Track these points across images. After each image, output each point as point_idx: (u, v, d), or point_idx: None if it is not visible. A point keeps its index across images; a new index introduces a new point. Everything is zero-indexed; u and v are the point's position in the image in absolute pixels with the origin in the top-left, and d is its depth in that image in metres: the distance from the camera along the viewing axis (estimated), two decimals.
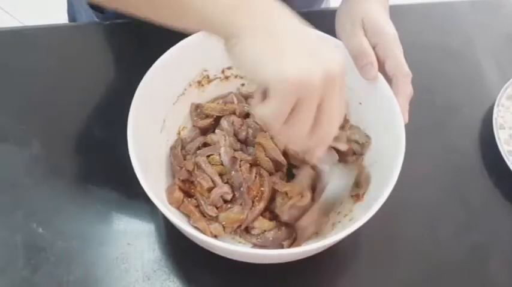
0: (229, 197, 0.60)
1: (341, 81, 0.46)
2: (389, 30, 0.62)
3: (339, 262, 0.62)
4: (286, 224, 0.60)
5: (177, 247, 0.61)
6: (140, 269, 0.59)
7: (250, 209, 0.59)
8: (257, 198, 0.60)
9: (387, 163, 0.56)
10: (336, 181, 0.61)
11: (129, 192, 0.64)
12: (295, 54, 0.44)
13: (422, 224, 0.66)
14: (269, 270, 0.57)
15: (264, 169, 0.62)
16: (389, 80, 0.60)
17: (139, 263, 0.60)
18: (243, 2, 0.45)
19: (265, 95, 0.45)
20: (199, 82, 0.67)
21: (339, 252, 0.61)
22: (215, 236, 0.59)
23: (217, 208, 0.60)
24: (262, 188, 0.60)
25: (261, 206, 0.60)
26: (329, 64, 0.44)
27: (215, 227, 0.59)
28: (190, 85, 0.66)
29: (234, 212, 0.59)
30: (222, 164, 0.62)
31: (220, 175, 0.62)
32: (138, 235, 0.61)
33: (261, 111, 0.46)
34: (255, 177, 0.61)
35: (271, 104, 0.44)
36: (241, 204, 0.60)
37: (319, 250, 0.54)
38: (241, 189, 0.60)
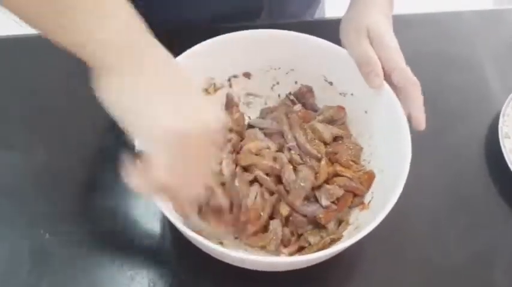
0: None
1: (219, 136, 0.47)
2: (391, 43, 0.62)
3: (344, 269, 0.62)
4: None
5: (183, 254, 0.61)
6: (146, 276, 0.59)
7: (242, 230, 0.60)
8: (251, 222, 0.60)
9: (393, 171, 0.57)
10: None
11: (134, 199, 0.64)
12: (171, 104, 0.44)
13: (427, 231, 0.66)
14: (274, 277, 0.57)
15: (266, 188, 0.62)
16: (396, 90, 0.60)
17: (145, 269, 0.60)
18: (127, 40, 0.43)
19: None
20: (206, 90, 0.67)
21: (344, 259, 0.60)
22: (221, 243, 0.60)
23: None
24: (261, 213, 0.60)
25: (251, 230, 0.59)
26: (207, 117, 0.45)
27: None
28: None
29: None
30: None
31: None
32: (144, 241, 0.62)
33: (157, 172, 0.45)
34: (255, 197, 0.60)
35: (163, 157, 0.44)
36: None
37: (326, 258, 0.54)
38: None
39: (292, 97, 0.70)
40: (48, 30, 0.44)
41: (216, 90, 0.68)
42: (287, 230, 0.61)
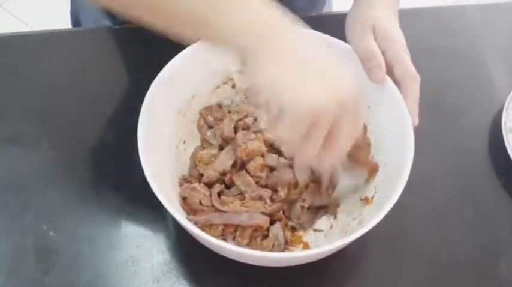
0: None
1: (353, 105, 0.47)
2: (398, 38, 0.62)
3: (348, 263, 0.62)
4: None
5: (187, 250, 0.61)
6: (150, 271, 0.59)
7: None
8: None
9: (396, 166, 0.57)
10: (344, 181, 0.62)
11: (138, 194, 0.63)
12: (309, 82, 0.46)
13: (431, 226, 0.66)
14: (278, 273, 0.57)
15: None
16: (397, 84, 0.60)
17: (149, 265, 0.60)
18: (256, 19, 0.47)
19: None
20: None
21: (348, 254, 0.61)
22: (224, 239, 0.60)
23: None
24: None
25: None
26: (340, 90, 0.46)
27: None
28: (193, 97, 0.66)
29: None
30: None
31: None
32: (147, 238, 0.62)
33: (279, 132, 0.48)
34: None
35: (287, 127, 0.47)
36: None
37: (329, 253, 0.54)
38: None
39: None
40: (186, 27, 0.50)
41: (217, 88, 0.68)
42: (289, 234, 0.61)
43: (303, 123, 0.46)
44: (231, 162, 0.63)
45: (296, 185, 0.63)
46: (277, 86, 0.46)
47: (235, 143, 0.63)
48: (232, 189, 0.62)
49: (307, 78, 0.46)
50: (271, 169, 0.63)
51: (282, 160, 0.63)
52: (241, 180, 0.62)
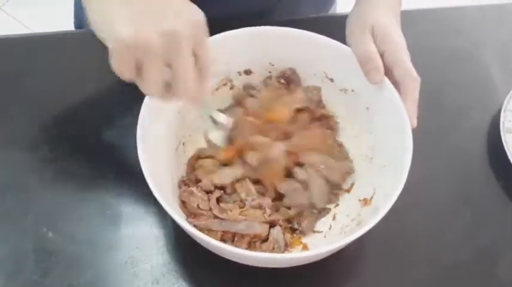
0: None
1: (189, 40, 0.45)
2: (398, 39, 0.62)
3: (347, 264, 0.62)
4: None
5: (186, 251, 0.61)
6: (149, 273, 0.60)
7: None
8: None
9: (395, 167, 0.57)
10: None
11: (138, 196, 0.64)
12: (138, 13, 0.44)
13: (430, 227, 0.66)
14: (277, 274, 0.57)
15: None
16: (397, 85, 0.60)
17: (148, 267, 0.60)
18: None
19: None
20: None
21: (347, 255, 0.61)
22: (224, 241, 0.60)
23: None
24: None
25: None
26: (174, 24, 0.44)
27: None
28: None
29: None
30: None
31: None
32: (147, 239, 0.62)
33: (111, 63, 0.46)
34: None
35: (113, 62, 0.45)
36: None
37: (328, 254, 0.54)
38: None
39: (282, 80, 0.70)
40: None
41: (217, 89, 0.68)
42: (288, 236, 0.61)
43: (125, 59, 0.44)
44: (231, 180, 0.63)
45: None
46: (101, 19, 0.45)
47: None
48: (233, 195, 0.63)
49: (140, 10, 0.44)
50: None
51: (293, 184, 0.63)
52: (243, 188, 0.62)
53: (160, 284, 0.59)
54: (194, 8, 0.47)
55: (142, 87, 0.47)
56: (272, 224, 0.61)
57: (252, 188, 0.62)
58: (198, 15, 0.47)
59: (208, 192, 0.62)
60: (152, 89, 0.47)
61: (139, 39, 0.43)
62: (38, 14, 1.84)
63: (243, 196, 0.62)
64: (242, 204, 0.62)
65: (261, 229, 0.59)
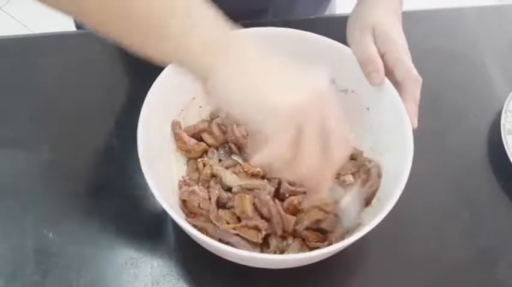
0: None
1: (333, 100, 0.44)
2: (398, 40, 0.62)
3: (347, 265, 0.62)
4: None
5: (186, 252, 0.61)
6: (149, 274, 0.59)
7: None
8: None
9: (395, 168, 0.57)
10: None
11: (138, 196, 0.64)
12: (277, 81, 0.43)
13: (431, 228, 0.66)
14: (278, 274, 0.57)
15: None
16: (398, 86, 0.60)
17: (149, 268, 0.60)
18: (217, 39, 0.45)
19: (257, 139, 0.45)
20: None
21: (347, 256, 0.60)
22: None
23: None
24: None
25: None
26: (314, 83, 0.43)
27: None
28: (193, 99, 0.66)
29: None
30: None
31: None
32: (147, 240, 0.62)
33: (261, 156, 0.44)
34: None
35: (269, 143, 0.43)
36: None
37: (329, 255, 0.54)
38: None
39: None
40: (136, 45, 0.46)
41: None
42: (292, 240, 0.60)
43: (286, 128, 0.42)
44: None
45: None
46: (246, 98, 0.43)
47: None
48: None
49: (277, 83, 0.43)
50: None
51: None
52: (239, 206, 0.60)
53: (161, 285, 0.59)
54: (321, 76, 0.45)
55: (300, 163, 0.44)
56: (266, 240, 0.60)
57: (249, 209, 0.59)
58: (326, 83, 0.45)
59: (208, 187, 0.62)
60: (312, 157, 0.44)
61: (297, 103, 0.42)
62: (38, 14, 1.84)
63: (237, 212, 0.60)
64: (238, 219, 0.60)
65: (251, 248, 0.58)
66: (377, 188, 0.61)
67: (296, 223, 0.59)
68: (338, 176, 0.62)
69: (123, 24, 0.45)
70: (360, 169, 0.64)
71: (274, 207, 0.59)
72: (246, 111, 0.44)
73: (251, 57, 0.45)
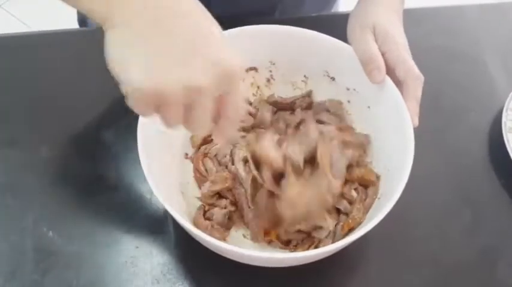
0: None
1: (210, 92, 0.41)
2: (399, 39, 0.62)
3: (348, 264, 0.62)
4: None
5: (186, 250, 0.61)
6: (149, 272, 0.59)
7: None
8: None
9: (396, 167, 0.56)
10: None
11: (138, 195, 0.64)
12: (161, 56, 0.40)
13: (431, 226, 0.66)
14: (278, 273, 0.57)
15: None
16: (400, 84, 0.60)
17: (149, 266, 0.60)
18: None
19: None
20: None
21: (347, 255, 0.60)
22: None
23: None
24: None
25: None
26: (199, 80, 0.40)
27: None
28: None
29: None
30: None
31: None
32: (147, 239, 0.62)
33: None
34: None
35: (129, 103, 0.43)
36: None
37: (329, 253, 0.54)
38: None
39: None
40: None
41: None
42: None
43: (142, 107, 0.42)
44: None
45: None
46: (126, 59, 0.42)
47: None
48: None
49: (164, 57, 0.40)
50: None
51: None
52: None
53: (161, 283, 0.59)
54: (228, 54, 0.42)
55: (162, 119, 0.44)
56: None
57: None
58: (233, 65, 0.42)
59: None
60: (171, 124, 0.44)
61: (158, 91, 0.40)
62: (38, 13, 1.84)
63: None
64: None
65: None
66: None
67: None
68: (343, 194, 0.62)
69: None
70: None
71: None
72: (119, 75, 0.43)
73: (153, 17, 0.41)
